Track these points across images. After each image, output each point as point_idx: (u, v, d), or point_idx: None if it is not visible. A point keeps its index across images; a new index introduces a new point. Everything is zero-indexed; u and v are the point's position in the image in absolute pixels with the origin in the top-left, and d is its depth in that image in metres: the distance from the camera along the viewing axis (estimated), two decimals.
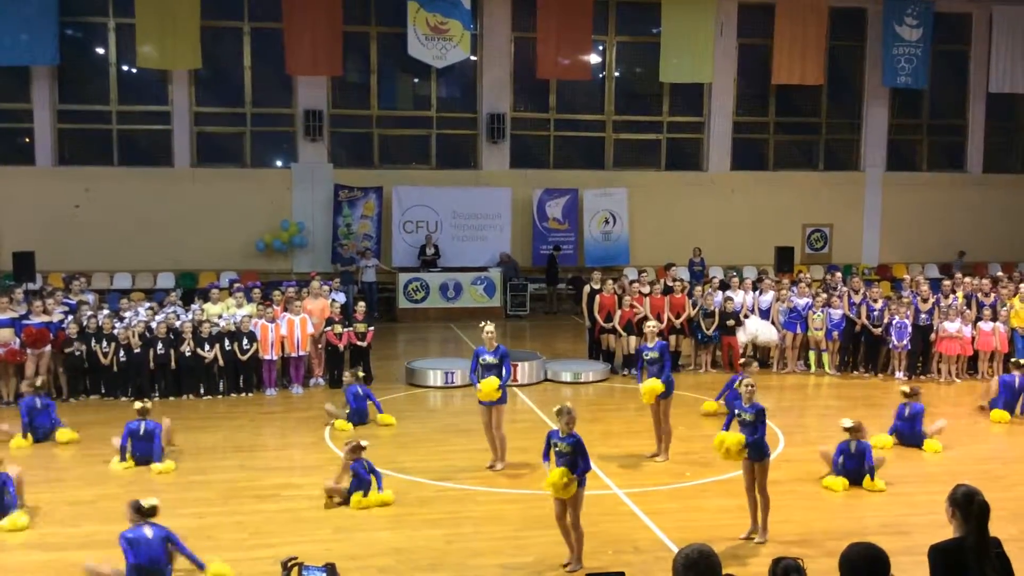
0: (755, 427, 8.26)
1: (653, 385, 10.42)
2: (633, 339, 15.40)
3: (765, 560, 4.22)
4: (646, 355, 10.86)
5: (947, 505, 4.61)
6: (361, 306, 15.21)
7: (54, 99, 21.09)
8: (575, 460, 7.67)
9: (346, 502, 9.15)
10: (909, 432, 11.28)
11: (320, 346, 14.83)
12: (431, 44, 21.46)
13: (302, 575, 3.90)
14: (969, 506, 4.46)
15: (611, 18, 23.21)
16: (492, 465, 10.39)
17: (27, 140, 21.18)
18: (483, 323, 10.68)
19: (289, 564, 3.92)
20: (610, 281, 15.93)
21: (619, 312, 15.39)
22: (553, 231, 22.73)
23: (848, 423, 9.85)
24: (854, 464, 9.71)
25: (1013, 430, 12.55)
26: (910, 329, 15.14)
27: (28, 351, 13.42)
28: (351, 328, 14.63)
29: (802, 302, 15.80)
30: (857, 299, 15.70)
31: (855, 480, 9.71)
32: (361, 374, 13.21)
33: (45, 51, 20.01)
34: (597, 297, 15.58)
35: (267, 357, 14.22)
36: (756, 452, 8.29)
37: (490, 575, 7.59)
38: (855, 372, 15.70)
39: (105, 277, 20.75)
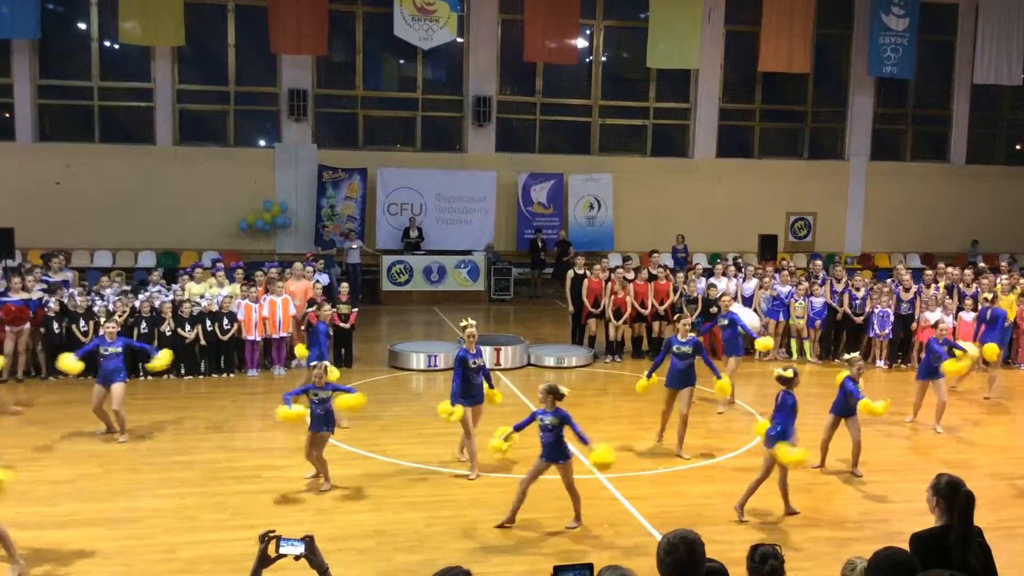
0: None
1: (725, 384, 11.00)
2: (623, 326, 15.46)
3: (744, 546, 4.22)
4: (676, 348, 10.72)
5: (930, 494, 4.62)
6: (344, 287, 15.15)
7: (35, 74, 20.82)
8: (560, 432, 7.99)
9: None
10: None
11: (302, 327, 14.75)
12: (417, 25, 21.28)
13: (280, 548, 3.84)
14: (953, 496, 4.49)
15: (599, 2, 23.10)
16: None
17: (7, 115, 20.91)
18: (464, 321, 9.93)
19: (267, 537, 3.86)
20: (597, 266, 15.92)
21: (611, 298, 15.39)
22: (538, 215, 22.69)
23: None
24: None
25: (991, 420, 12.67)
26: (892, 318, 15.26)
27: (7, 329, 13.30)
28: (334, 309, 14.55)
29: (785, 290, 15.89)
30: (839, 288, 15.79)
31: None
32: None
33: (26, 25, 19.70)
34: (585, 281, 15.58)
35: (249, 338, 14.18)
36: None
37: (471, 558, 7.58)
38: (836, 360, 15.76)
39: (85, 255, 20.56)
